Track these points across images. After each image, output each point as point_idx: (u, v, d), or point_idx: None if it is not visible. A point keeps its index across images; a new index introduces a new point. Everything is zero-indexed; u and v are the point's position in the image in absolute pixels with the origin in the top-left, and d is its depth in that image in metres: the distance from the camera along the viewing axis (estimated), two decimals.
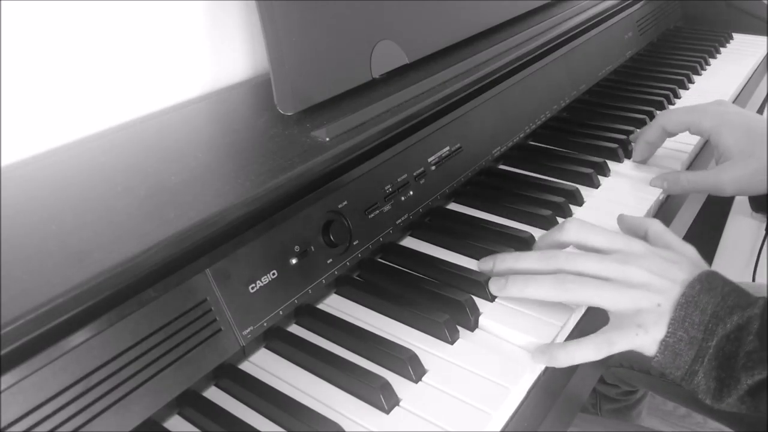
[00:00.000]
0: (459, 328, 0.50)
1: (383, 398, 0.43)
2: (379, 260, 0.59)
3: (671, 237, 0.52)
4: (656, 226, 0.53)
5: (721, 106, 0.68)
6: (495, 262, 0.53)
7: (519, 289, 0.49)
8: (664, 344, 0.44)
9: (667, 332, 0.44)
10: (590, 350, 0.46)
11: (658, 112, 0.88)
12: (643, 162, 0.74)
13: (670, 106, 0.92)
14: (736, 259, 1.54)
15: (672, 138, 0.73)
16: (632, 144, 0.76)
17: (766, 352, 0.42)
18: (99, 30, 0.54)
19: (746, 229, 1.52)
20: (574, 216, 0.65)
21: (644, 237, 0.53)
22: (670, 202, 0.70)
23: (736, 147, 0.63)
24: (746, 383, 0.42)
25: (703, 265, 0.49)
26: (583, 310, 0.52)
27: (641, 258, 0.48)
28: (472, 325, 0.50)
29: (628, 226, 0.56)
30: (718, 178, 0.64)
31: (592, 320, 0.52)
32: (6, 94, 0.49)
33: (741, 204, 1.42)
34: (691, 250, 0.50)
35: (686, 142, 0.78)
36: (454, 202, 0.68)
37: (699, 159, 0.80)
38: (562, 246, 0.52)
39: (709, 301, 0.44)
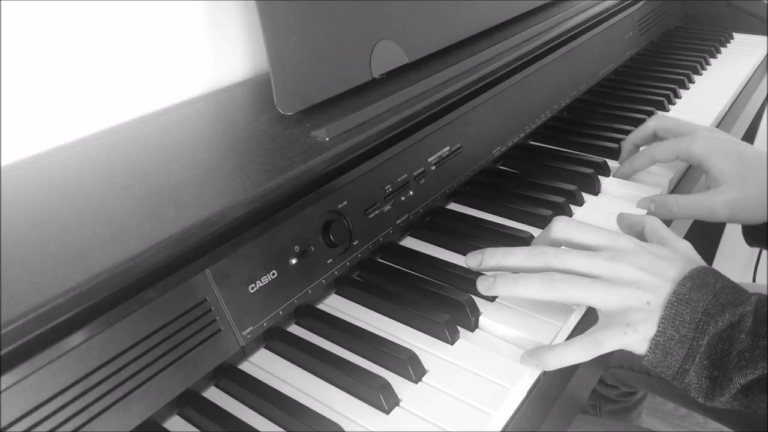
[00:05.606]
0: (459, 328, 0.50)
1: (383, 398, 0.43)
2: (379, 260, 0.59)
3: (666, 233, 0.51)
4: (652, 222, 0.53)
5: (710, 132, 0.66)
6: (483, 258, 0.51)
7: (507, 288, 0.48)
8: (655, 343, 0.44)
9: (658, 330, 0.44)
10: (578, 351, 0.45)
11: (658, 111, 0.88)
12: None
13: (671, 107, 0.91)
14: (736, 260, 1.54)
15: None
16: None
17: (758, 350, 0.42)
18: (99, 30, 0.54)
19: None
20: (574, 216, 0.65)
21: (641, 233, 0.53)
22: None
23: (730, 171, 0.61)
24: (739, 383, 0.42)
25: (698, 261, 0.48)
26: (583, 310, 0.52)
27: (631, 255, 0.47)
28: (473, 325, 0.50)
29: (627, 224, 0.55)
30: (711, 202, 0.61)
31: (594, 320, 0.51)
32: (6, 94, 0.49)
33: None
34: (685, 246, 0.50)
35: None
36: (454, 202, 0.68)
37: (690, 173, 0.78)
38: (553, 244, 0.52)
39: (701, 299, 0.44)
